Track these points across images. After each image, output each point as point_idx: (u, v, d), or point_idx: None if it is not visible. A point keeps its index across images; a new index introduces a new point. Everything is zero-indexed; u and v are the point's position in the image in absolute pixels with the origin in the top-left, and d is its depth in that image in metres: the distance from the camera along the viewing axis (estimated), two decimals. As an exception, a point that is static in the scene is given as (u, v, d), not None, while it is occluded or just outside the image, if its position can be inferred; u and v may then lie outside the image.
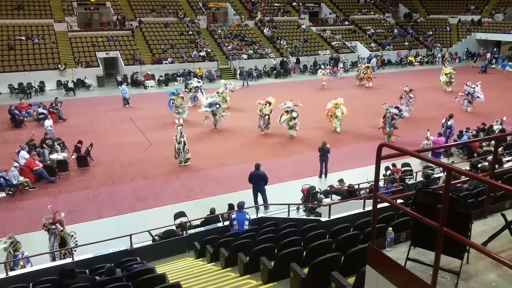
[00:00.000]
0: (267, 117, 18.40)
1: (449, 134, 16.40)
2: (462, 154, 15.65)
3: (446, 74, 27.01)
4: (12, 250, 8.66)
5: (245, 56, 34.75)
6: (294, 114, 17.75)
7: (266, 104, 18.28)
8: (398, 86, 28.33)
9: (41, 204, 11.97)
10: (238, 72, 32.24)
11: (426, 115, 21.20)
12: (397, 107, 16.97)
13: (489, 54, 40.90)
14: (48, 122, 18.40)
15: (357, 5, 46.90)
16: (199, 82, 24.48)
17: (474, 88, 21.32)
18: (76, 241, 9.38)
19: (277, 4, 42.67)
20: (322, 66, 31.75)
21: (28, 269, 8.35)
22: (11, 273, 7.92)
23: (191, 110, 21.89)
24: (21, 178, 13.48)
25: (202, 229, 9.98)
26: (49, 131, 17.83)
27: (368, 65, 31.27)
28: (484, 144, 14.86)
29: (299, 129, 18.28)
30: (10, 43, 29.98)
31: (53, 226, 8.92)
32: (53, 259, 8.87)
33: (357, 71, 31.06)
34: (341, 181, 11.87)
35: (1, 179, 13.14)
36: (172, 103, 20.90)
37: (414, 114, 20.93)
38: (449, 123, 16.46)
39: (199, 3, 39.78)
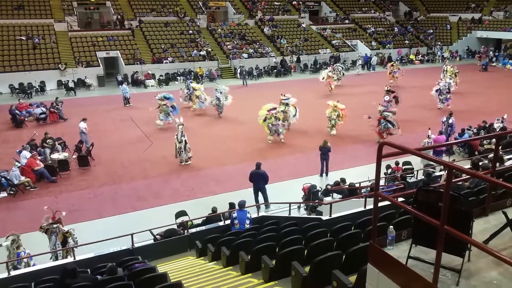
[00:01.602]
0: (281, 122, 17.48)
1: (450, 132, 16.39)
2: (463, 152, 15.64)
3: (454, 73, 26.16)
4: (15, 247, 8.68)
5: (245, 55, 34.75)
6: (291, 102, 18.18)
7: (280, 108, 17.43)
8: (397, 85, 28.42)
9: (42, 203, 11.95)
10: (238, 71, 32.23)
11: (426, 113, 21.19)
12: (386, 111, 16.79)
13: (491, 52, 40.75)
14: (83, 124, 17.14)
15: (357, 4, 46.85)
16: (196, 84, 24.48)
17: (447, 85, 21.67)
18: (76, 238, 9.36)
19: (277, 3, 42.62)
20: (329, 68, 29.43)
21: (30, 268, 8.36)
22: (13, 273, 7.95)
23: (189, 110, 22.07)
24: (22, 178, 13.51)
25: (203, 228, 9.99)
26: (83, 134, 16.98)
27: (392, 63, 30.80)
28: (485, 142, 14.85)
29: (300, 127, 18.40)
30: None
31: (54, 226, 8.93)
32: (56, 258, 8.89)
33: (334, 71, 28.67)
34: (343, 181, 11.83)
35: (3, 179, 13.16)
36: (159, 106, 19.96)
37: (414, 113, 20.93)
38: (450, 121, 16.44)
39: (199, 2, 39.76)
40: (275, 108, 17.22)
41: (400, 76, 28.70)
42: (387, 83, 26.92)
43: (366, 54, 38.32)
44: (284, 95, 18.50)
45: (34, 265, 8.68)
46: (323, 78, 27.44)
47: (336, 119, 18.02)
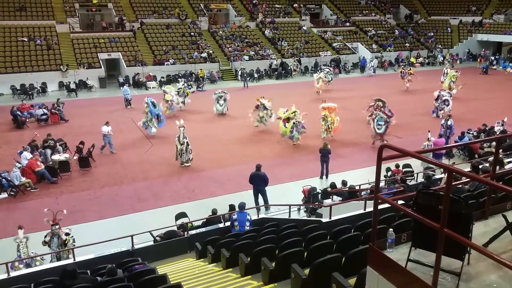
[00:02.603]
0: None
1: (449, 134, 16.36)
2: (463, 155, 15.63)
3: (451, 76, 26.16)
4: (27, 246, 8.73)
5: (246, 57, 34.80)
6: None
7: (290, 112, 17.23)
8: (399, 88, 28.45)
9: (43, 204, 11.97)
10: (239, 73, 32.29)
11: (426, 116, 21.19)
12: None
13: (492, 57, 40.73)
14: (106, 128, 16.62)
15: (358, 7, 46.93)
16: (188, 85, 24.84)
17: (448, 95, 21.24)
18: (72, 237, 9.36)
19: (278, 6, 42.72)
20: (325, 69, 29.76)
21: (29, 269, 8.37)
22: (12, 274, 7.95)
23: (189, 112, 22.13)
24: (23, 179, 13.51)
25: (203, 229, 10.00)
26: (106, 137, 16.59)
27: (402, 67, 30.94)
28: (485, 145, 14.85)
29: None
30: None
31: (56, 227, 8.93)
32: (59, 259, 8.89)
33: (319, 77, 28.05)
34: (344, 183, 11.79)
35: (3, 179, 13.17)
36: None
37: (414, 116, 20.92)
38: (448, 123, 16.42)
39: (201, 4, 39.85)
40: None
41: (407, 80, 28.57)
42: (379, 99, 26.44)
43: (364, 57, 38.36)
44: (263, 97, 19.51)
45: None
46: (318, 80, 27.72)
47: (329, 122, 17.67)
